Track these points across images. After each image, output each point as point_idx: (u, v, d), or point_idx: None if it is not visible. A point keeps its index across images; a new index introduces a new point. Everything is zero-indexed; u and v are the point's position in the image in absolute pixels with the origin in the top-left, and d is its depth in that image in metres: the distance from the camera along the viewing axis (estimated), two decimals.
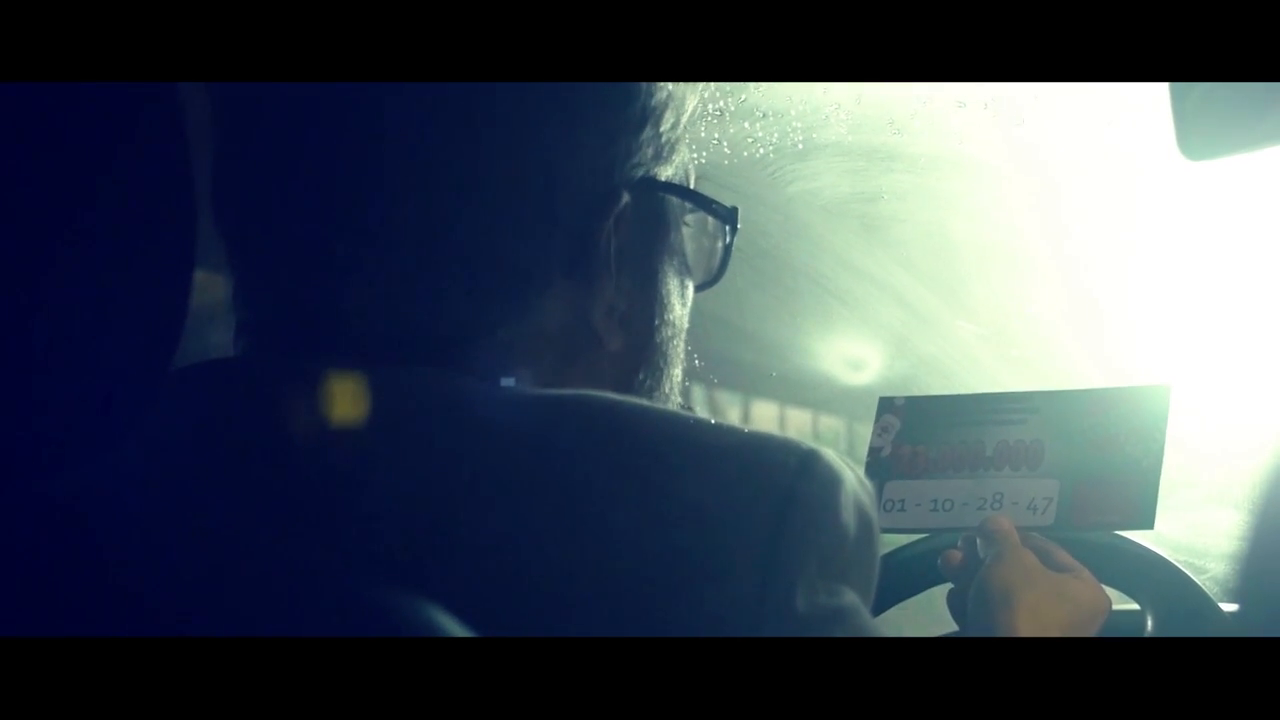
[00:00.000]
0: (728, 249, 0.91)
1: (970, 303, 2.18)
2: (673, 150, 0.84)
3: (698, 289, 0.90)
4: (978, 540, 1.16)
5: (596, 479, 0.68)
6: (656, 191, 0.83)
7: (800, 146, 1.83)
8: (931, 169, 1.96)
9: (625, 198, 0.79)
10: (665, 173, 0.83)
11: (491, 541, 0.67)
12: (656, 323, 0.84)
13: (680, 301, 0.86)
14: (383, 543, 0.67)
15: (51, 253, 0.75)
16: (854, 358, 2.35)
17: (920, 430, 1.26)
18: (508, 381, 0.76)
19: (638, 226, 0.81)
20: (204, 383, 0.75)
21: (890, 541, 1.30)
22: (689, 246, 0.88)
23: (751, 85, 1.64)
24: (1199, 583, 1.22)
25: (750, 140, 1.75)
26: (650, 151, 0.82)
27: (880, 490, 1.25)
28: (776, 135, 1.78)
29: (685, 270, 0.87)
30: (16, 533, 0.69)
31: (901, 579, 1.29)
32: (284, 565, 0.67)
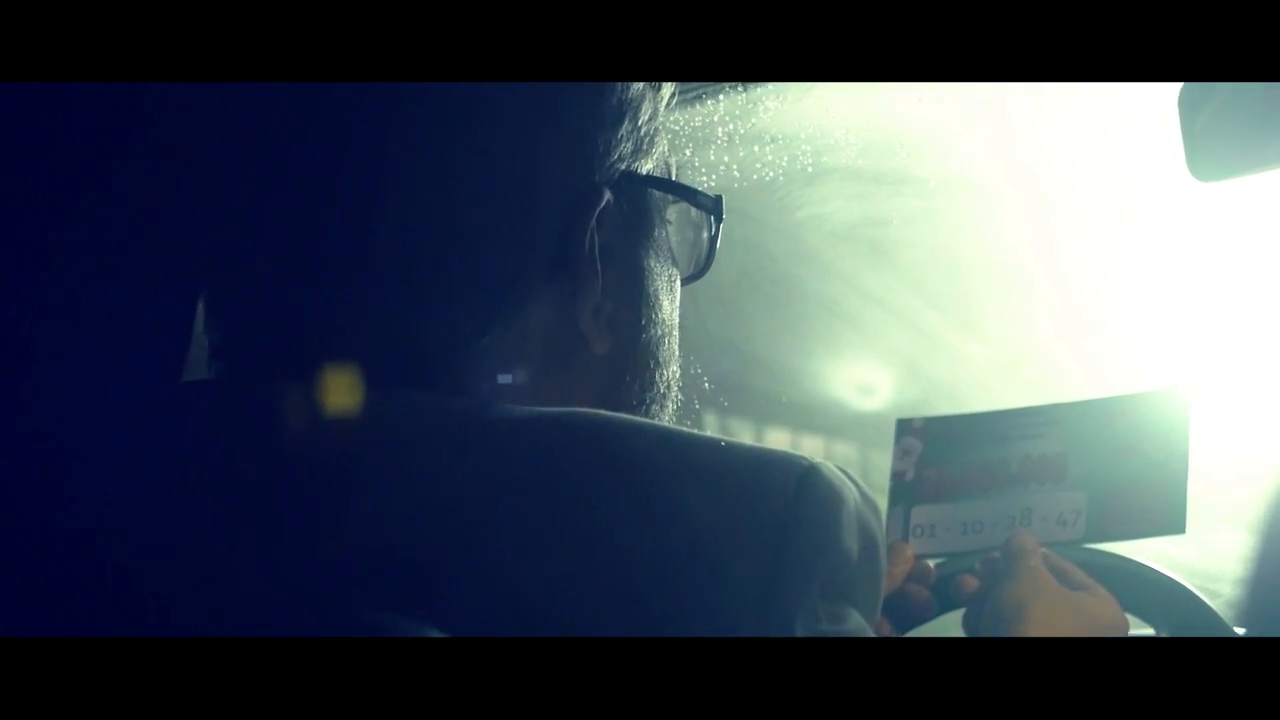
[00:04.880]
0: (713, 240, 0.89)
1: (981, 326, 2.17)
2: (651, 143, 0.82)
3: (684, 282, 0.88)
4: (1000, 560, 1.15)
5: (588, 505, 0.66)
6: (638, 186, 0.81)
7: (809, 170, 1.82)
8: (941, 192, 1.95)
9: (606, 195, 0.78)
10: (645, 166, 0.82)
11: (485, 566, 0.65)
12: (644, 322, 0.82)
13: (668, 298, 0.84)
14: (381, 563, 0.66)
15: (54, 261, 0.75)
16: (865, 383, 2.35)
17: (942, 451, 1.25)
18: (504, 398, 0.75)
19: (621, 223, 0.80)
20: (192, 403, 0.75)
21: None
22: (674, 238, 0.86)
23: (760, 109, 1.64)
24: (1213, 607, 1.21)
25: (759, 165, 1.75)
26: (629, 146, 0.80)
27: (907, 515, 1.24)
28: (786, 159, 1.78)
29: (672, 265, 0.85)
30: (16, 534, 0.69)
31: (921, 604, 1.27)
32: (279, 585, 0.66)
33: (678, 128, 1.60)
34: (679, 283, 0.86)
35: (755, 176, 1.76)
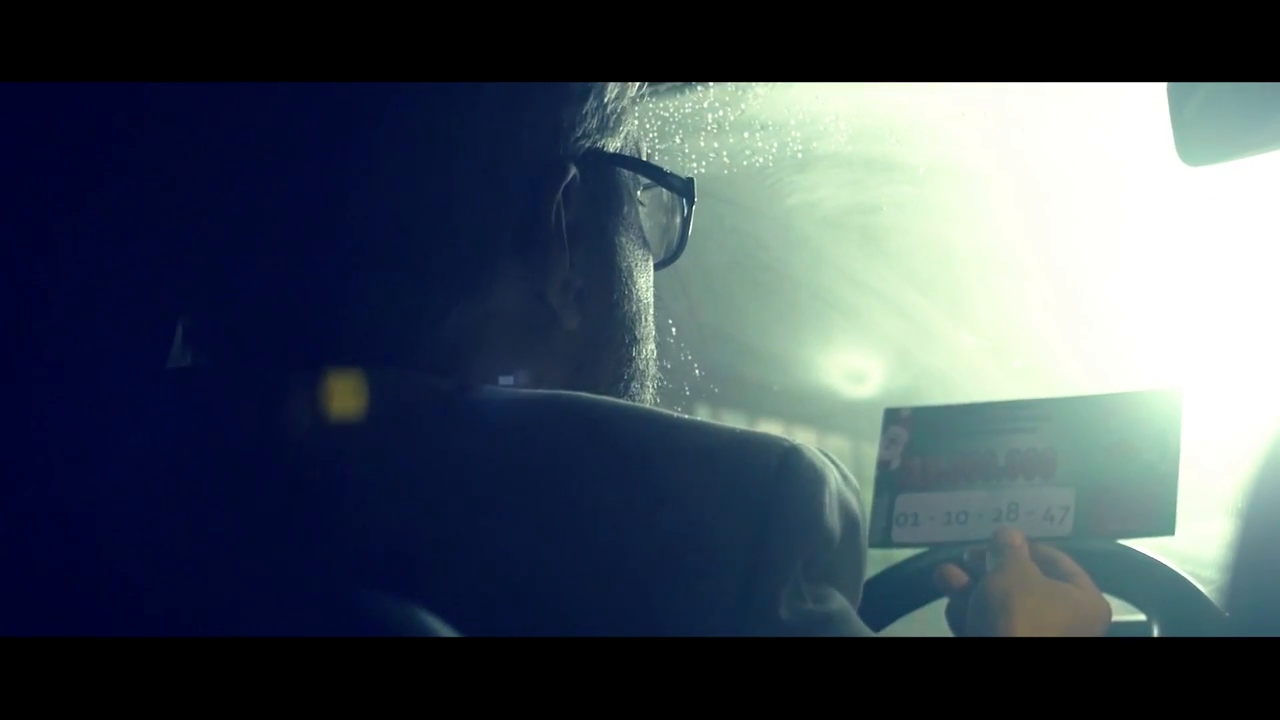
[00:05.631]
0: (686, 222, 0.89)
1: (972, 314, 2.17)
2: (619, 121, 0.82)
3: (658, 266, 0.88)
4: (987, 553, 1.15)
5: (574, 483, 0.67)
6: (606, 164, 0.81)
7: (800, 157, 1.82)
8: (931, 179, 1.95)
9: (572, 170, 0.78)
10: (613, 144, 0.82)
11: (472, 545, 0.66)
12: (616, 298, 0.82)
13: (642, 276, 0.84)
14: (369, 543, 0.66)
15: (49, 257, 0.75)
16: (856, 370, 2.35)
17: (929, 441, 1.25)
18: (478, 374, 0.75)
19: (589, 200, 0.80)
20: (182, 390, 0.75)
21: (896, 554, 1.29)
22: (647, 223, 0.86)
23: (750, 96, 1.64)
24: (1205, 593, 1.21)
25: (749, 152, 1.75)
26: (595, 123, 0.80)
27: (892, 504, 1.24)
28: (776, 146, 1.77)
29: (644, 245, 0.85)
30: (14, 533, 0.69)
31: (907, 592, 1.27)
32: (272, 568, 0.66)
33: (667, 114, 1.60)
34: (652, 263, 0.87)
35: (745, 164, 1.75)
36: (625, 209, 0.83)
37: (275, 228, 0.74)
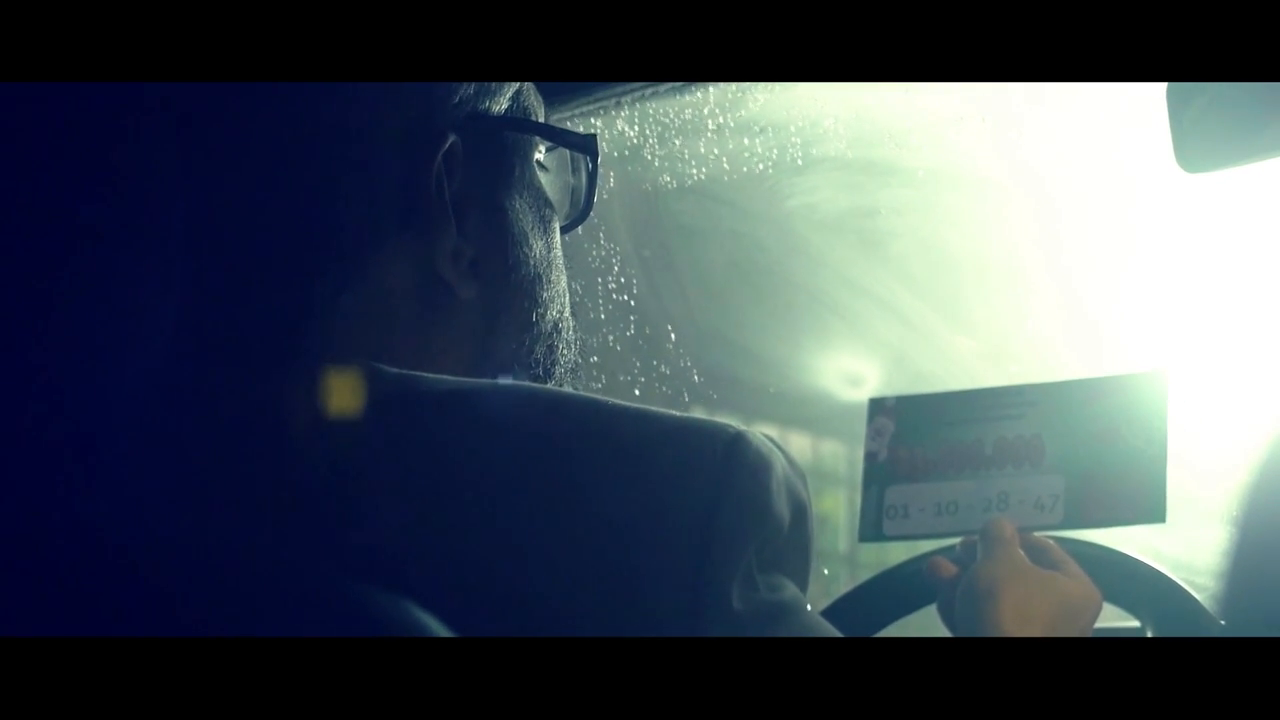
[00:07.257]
0: (592, 179, 0.88)
1: (969, 318, 2.17)
2: (499, 85, 0.81)
3: (568, 226, 0.88)
4: (978, 545, 1.15)
5: (517, 475, 0.67)
6: (490, 128, 0.81)
7: (799, 161, 1.82)
8: (930, 183, 1.95)
9: (451, 138, 0.77)
10: (497, 108, 0.81)
11: (419, 540, 0.66)
12: (511, 263, 0.82)
13: (541, 239, 0.84)
14: (329, 532, 0.67)
15: (49, 258, 0.75)
16: (852, 374, 2.35)
17: (915, 431, 1.24)
18: (385, 353, 0.74)
19: (474, 166, 0.79)
20: (156, 388, 0.75)
21: (890, 558, 1.29)
22: (553, 186, 0.86)
23: (750, 100, 1.64)
24: (1200, 600, 1.21)
25: (749, 155, 1.75)
26: (472, 88, 0.79)
27: (881, 496, 1.23)
28: (775, 150, 1.77)
29: (544, 207, 0.85)
30: (13, 533, 0.69)
31: (903, 595, 1.27)
32: (256, 565, 0.66)
33: (667, 119, 1.60)
34: (556, 224, 0.86)
35: (745, 168, 1.76)
36: (516, 172, 0.83)
37: (162, 231, 0.74)
